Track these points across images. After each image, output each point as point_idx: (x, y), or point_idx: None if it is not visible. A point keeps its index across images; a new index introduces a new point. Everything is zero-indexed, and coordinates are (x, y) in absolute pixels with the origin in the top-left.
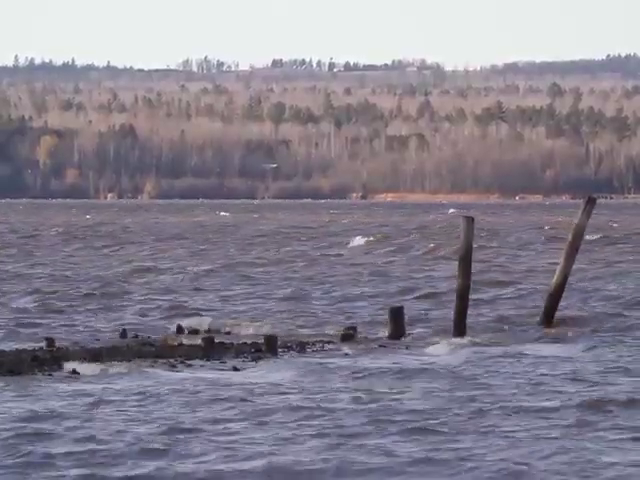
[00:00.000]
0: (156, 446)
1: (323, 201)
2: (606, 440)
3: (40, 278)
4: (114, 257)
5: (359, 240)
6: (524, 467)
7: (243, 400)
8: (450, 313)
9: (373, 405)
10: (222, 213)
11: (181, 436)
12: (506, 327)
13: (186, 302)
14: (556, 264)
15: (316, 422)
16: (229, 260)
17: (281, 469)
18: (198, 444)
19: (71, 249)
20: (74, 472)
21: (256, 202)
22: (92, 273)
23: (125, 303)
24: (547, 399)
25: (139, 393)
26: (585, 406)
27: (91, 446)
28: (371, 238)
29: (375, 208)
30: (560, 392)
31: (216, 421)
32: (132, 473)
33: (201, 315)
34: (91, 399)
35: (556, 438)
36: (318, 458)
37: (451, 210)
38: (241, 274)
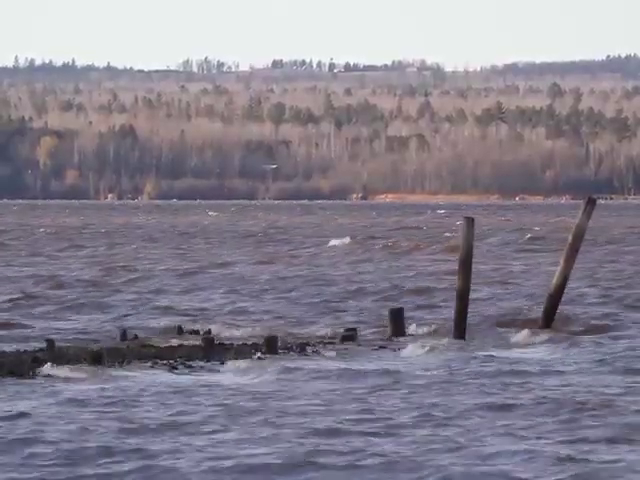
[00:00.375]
0: (137, 446)
1: (321, 202)
2: (591, 439)
3: (29, 279)
4: (103, 256)
5: (345, 240)
6: (502, 466)
7: (235, 400)
8: (441, 311)
9: (359, 404)
10: (210, 213)
11: (164, 436)
12: (507, 329)
13: (177, 303)
14: (540, 264)
15: (302, 421)
16: (218, 260)
17: (258, 467)
18: (180, 444)
19: (60, 249)
20: (56, 470)
21: (255, 202)
22: (83, 274)
23: (116, 304)
24: (536, 398)
25: (137, 393)
26: (573, 406)
27: (74, 445)
28: (358, 237)
29: (369, 209)
30: (551, 391)
31: (205, 421)
32: (111, 471)
33: (195, 316)
34: (90, 400)
35: (540, 437)
36: (294, 457)
37: (442, 211)
38: (229, 274)
